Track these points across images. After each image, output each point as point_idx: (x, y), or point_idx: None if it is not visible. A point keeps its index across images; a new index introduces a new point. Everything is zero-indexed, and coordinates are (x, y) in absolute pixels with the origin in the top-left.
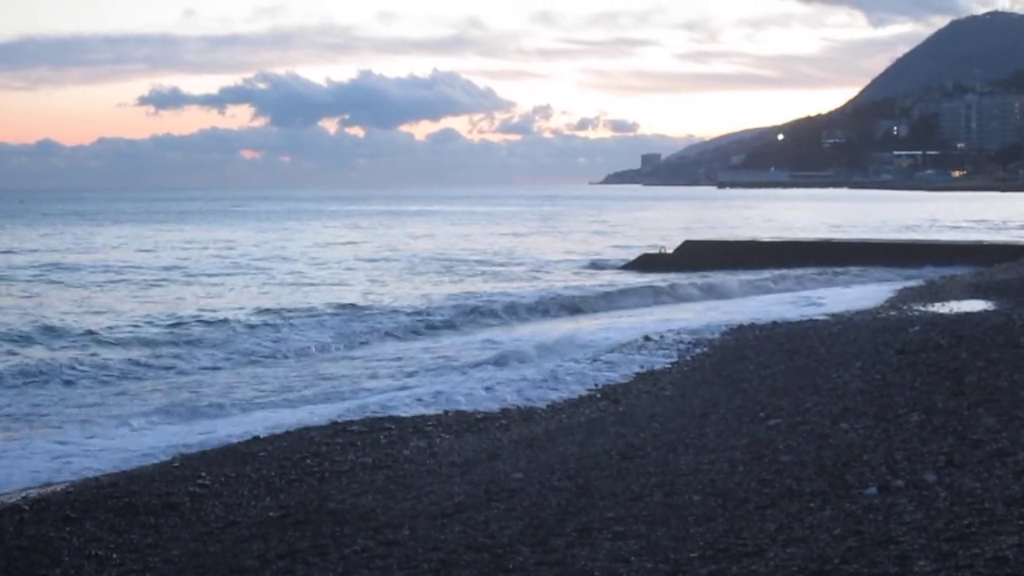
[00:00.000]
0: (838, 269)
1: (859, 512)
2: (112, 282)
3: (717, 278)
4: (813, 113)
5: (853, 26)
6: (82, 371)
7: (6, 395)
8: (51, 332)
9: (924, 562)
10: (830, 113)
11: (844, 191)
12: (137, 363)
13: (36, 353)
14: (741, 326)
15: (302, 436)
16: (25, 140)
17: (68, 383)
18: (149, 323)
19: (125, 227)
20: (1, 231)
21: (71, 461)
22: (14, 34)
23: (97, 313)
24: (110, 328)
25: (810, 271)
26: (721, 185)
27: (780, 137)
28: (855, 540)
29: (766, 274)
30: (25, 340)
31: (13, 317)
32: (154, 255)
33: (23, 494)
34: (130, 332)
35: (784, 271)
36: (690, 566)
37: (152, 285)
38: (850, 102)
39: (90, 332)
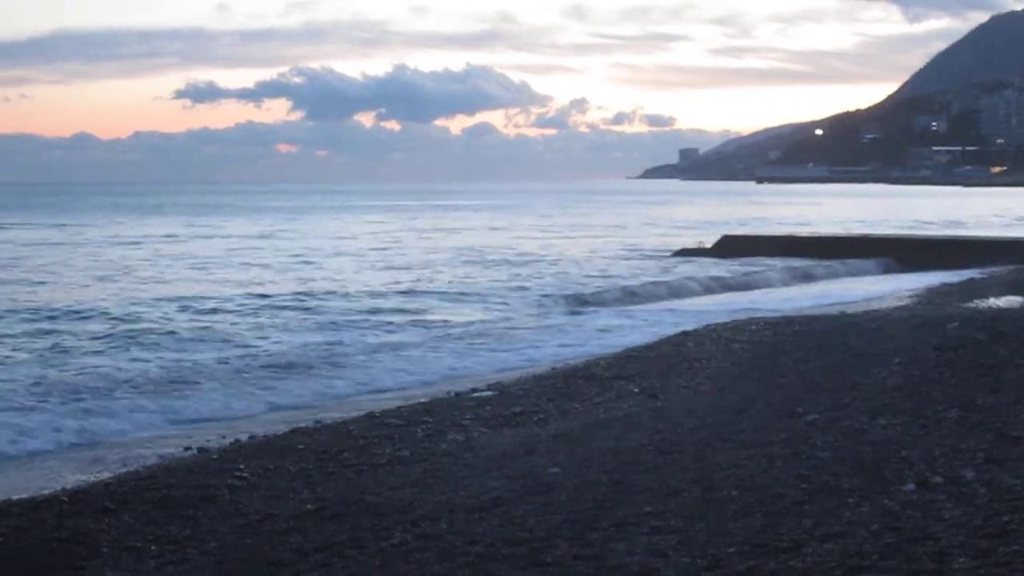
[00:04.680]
0: (875, 264)
1: (897, 508)
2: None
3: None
4: (851, 108)
5: (888, 21)
6: None
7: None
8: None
9: (963, 559)
10: (868, 109)
11: (882, 187)
12: None
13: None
14: (777, 321)
15: (340, 429)
16: (61, 133)
17: None
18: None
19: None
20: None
21: None
22: (48, 28)
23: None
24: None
25: (846, 265)
26: (759, 180)
27: (818, 132)
28: (893, 536)
29: (802, 267)
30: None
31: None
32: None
33: (62, 485)
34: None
35: (820, 265)
36: (727, 561)
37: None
38: (889, 98)
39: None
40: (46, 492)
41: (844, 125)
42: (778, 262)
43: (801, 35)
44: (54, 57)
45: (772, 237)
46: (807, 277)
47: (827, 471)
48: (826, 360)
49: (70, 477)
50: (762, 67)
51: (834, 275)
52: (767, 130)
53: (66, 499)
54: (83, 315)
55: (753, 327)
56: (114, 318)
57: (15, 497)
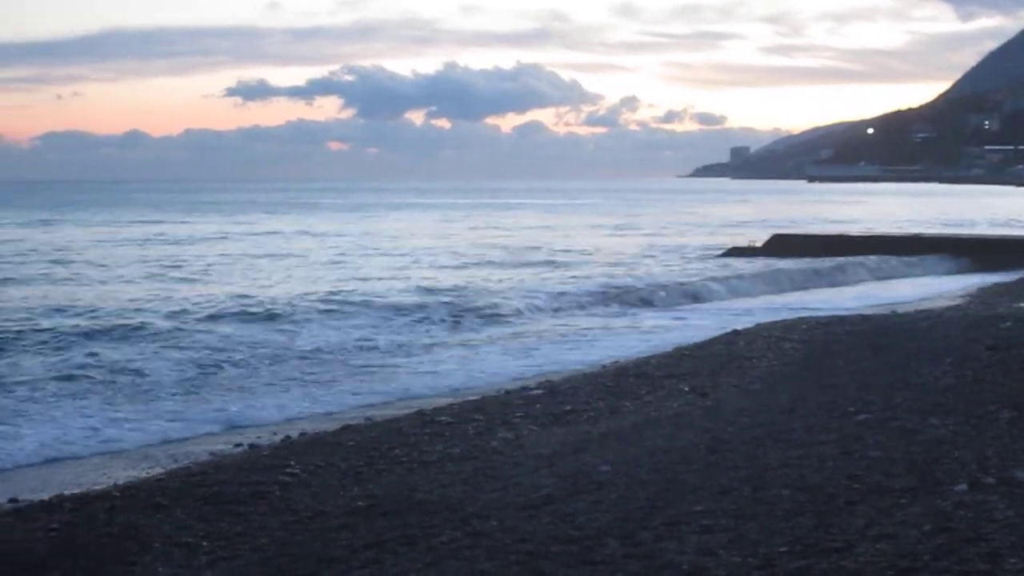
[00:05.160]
0: (926, 263)
1: (949, 509)
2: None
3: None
4: (902, 107)
5: (940, 19)
6: None
7: None
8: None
9: (1015, 560)
10: (920, 107)
11: (934, 186)
12: None
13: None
14: (829, 320)
15: (391, 426)
16: (113, 131)
17: None
18: None
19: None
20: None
21: None
22: (101, 26)
23: None
24: None
25: (897, 264)
26: (811, 179)
27: (869, 131)
28: (944, 537)
29: (853, 265)
30: None
31: None
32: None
33: (113, 481)
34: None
35: (872, 264)
36: (778, 560)
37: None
38: (941, 96)
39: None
40: (98, 488)
41: (895, 124)
42: (828, 261)
43: (853, 33)
44: (106, 55)
45: (823, 236)
46: (857, 276)
47: (878, 471)
48: (877, 360)
49: (122, 473)
50: (813, 65)
51: (886, 275)
52: (818, 129)
53: (118, 495)
54: (136, 318)
55: (804, 326)
56: (173, 314)
57: (68, 492)
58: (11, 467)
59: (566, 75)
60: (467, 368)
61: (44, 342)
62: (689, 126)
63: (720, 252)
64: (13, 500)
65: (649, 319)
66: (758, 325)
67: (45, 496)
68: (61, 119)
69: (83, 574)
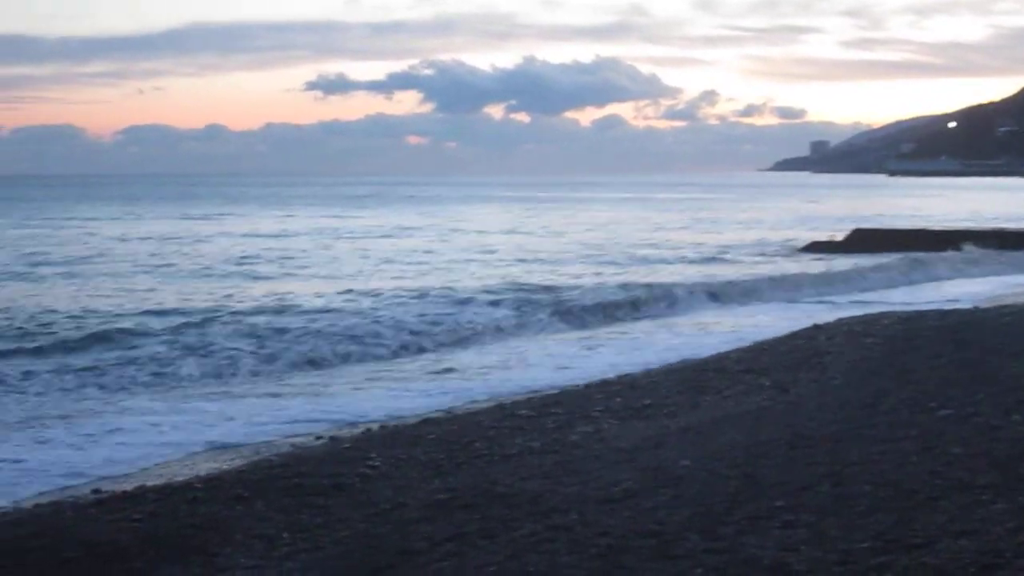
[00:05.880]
0: (1009, 258)
1: None
2: None
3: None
4: (984, 101)
5: (1023, 13)
6: None
7: None
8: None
9: None
10: (1002, 101)
11: (1018, 180)
12: None
13: None
14: (910, 315)
15: (470, 420)
16: (193, 125)
17: None
18: None
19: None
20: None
21: None
22: (183, 21)
23: None
24: None
25: (980, 259)
26: (892, 173)
27: (951, 125)
28: None
29: (934, 260)
30: None
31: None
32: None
33: (195, 472)
34: None
35: (954, 259)
36: (859, 556)
37: None
38: (1023, 90)
39: None
40: (180, 480)
41: (977, 118)
42: (909, 256)
43: (934, 27)
44: (187, 50)
45: (905, 231)
46: (938, 271)
47: (960, 467)
48: (959, 355)
49: (203, 465)
50: (894, 59)
51: (968, 270)
52: (899, 123)
53: (200, 486)
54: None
55: (885, 321)
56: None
57: (150, 484)
58: (99, 462)
59: (645, 69)
60: (553, 364)
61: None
62: (769, 120)
63: (801, 246)
64: (96, 491)
65: (728, 314)
66: (838, 320)
67: (128, 487)
68: (142, 113)
69: (166, 565)
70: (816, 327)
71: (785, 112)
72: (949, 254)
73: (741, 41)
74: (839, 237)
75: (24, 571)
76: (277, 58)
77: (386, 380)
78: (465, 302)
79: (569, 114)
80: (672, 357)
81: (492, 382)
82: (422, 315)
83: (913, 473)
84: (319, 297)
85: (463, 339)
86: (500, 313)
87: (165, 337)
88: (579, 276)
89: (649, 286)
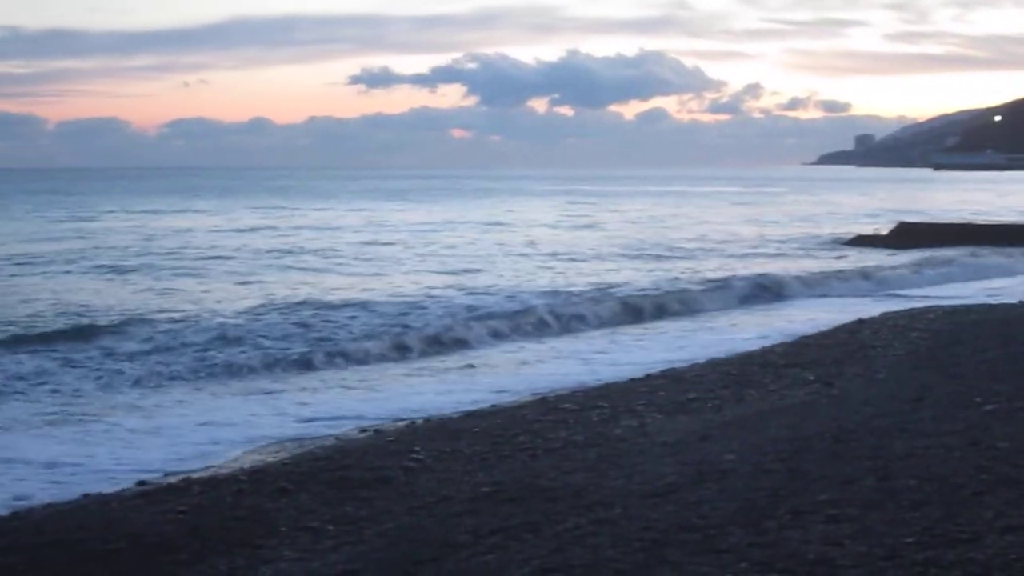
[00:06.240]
0: None
1: None
2: None
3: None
4: None
5: None
6: None
7: None
8: None
9: None
10: None
11: None
12: None
13: None
14: (955, 309)
15: (514, 413)
16: (238, 118)
17: None
18: None
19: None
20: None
21: None
22: (226, 15)
23: None
24: None
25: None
26: (937, 167)
27: (996, 119)
28: None
29: (980, 254)
30: None
31: None
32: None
33: (240, 465)
34: None
35: (999, 253)
36: (905, 551)
37: None
38: None
39: None
40: (225, 472)
41: (1023, 111)
42: (955, 250)
43: (979, 20)
44: (231, 43)
45: (951, 224)
46: (984, 265)
47: (1007, 462)
48: (1005, 349)
49: (248, 458)
50: (939, 52)
51: (1014, 264)
52: (944, 116)
53: (245, 479)
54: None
55: (930, 315)
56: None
57: (196, 476)
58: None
59: (689, 62)
60: (603, 360)
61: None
62: (813, 113)
63: (845, 240)
64: (141, 483)
65: (771, 308)
66: (883, 314)
67: (174, 480)
68: (187, 107)
69: (211, 557)
70: (860, 321)
71: (829, 106)
72: (994, 248)
73: (785, 34)
74: (884, 231)
75: (71, 562)
76: (320, 52)
77: (428, 375)
78: (510, 298)
79: (613, 107)
80: (716, 351)
81: (532, 376)
82: (471, 308)
83: (959, 468)
84: (365, 291)
85: (509, 335)
86: (543, 308)
87: (214, 331)
88: (623, 271)
89: (693, 280)
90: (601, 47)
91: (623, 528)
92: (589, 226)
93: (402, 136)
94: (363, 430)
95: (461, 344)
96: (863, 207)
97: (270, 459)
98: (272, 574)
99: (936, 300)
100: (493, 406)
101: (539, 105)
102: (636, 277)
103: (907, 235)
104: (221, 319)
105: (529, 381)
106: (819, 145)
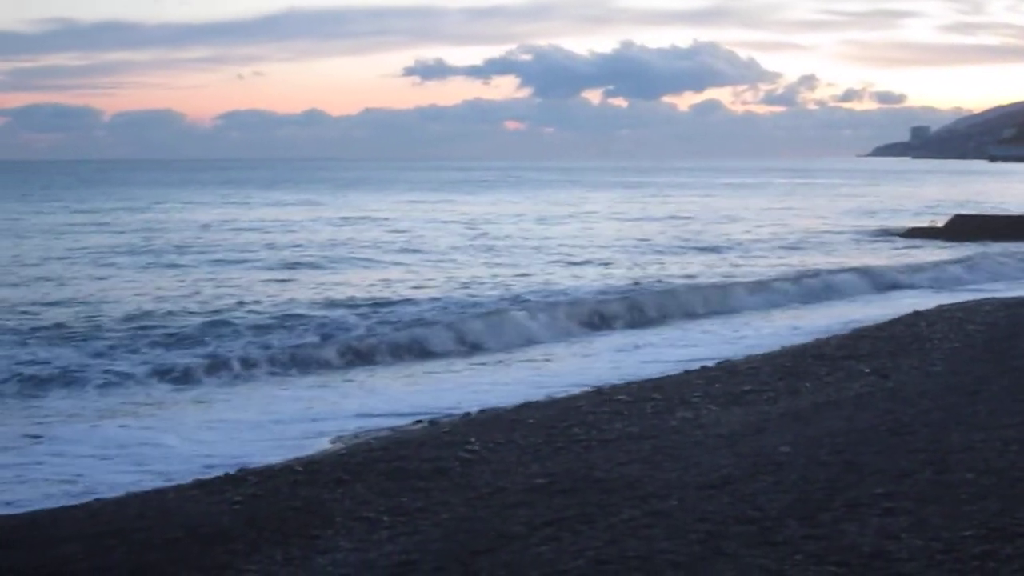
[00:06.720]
0: None
1: None
2: None
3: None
4: None
5: None
6: None
7: None
8: None
9: None
10: None
11: None
12: None
13: None
14: (1012, 302)
15: (569, 405)
16: (292, 110)
17: None
18: None
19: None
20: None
21: None
22: (280, 7)
23: None
24: None
25: None
26: (992, 159)
27: None
28: None
29: None
30: None
31: None
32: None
33: (296, 456)
34: None
35: None
36: (962, 545)
37: None
38: None
39: None
40: (281, 463)
41: None
42: (1012, 244)
43: None
44: (286, 35)
45: (1008, 217)
46: None
47: None
48: None
49: (304, 448)
50: (994, 43)
51: None
52: (999, 108)
53: (301, 469)
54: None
55: (987, 308)
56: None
57: (251, 466)
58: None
59: (743, 53)
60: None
61: None
62: (868, 105)
63: (901, 232)
64: (201, 474)
65: (826, 301)
66: (939, 306)
67: (230, 470)
68: (242, 99)
69: (267, 546)
70: (916, 314)
71: (884, 97)
72: None
73: (839, 25)
74: (940, 223)
75: (128, 552)
76: (375, 43)
77: (491, 367)
78: (566, 291)
79: (667, 99)
80: (771, 343)
81: (585, 369)
82: (523, 301)
83: (1016, 461)
84: (417, 288)
85: (564, 332)
86: (602, 303)
87: (277, 328)
88: (676, 264)
89: (748, 274)
90: (655, 38)
91: (678, 520)
92: (671, 216)
93: (456, 128)
94: (418, 421)
95: (529, 341)
96: (918, 199)
97: (326, 450)
98: (328, 564)
99: (992, 293)
100: (548, 397)
101: (593, 97)
102: (691, 271)
103: (963, 227)
104: (296, 311)
105: (590, 374)
106: (874, 137)
